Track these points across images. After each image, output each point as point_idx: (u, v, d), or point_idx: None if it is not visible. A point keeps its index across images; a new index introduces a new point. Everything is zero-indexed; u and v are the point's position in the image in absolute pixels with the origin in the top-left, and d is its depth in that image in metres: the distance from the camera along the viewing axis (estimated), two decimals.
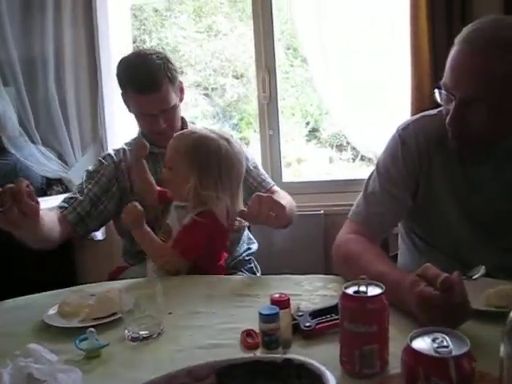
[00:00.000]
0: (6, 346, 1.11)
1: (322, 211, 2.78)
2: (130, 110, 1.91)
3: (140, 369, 1.03)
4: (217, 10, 3.44)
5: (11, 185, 1.35)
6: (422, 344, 0.76)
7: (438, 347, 0.74)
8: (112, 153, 1.96)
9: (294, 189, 2.44)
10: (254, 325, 1.05)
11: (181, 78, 1.94)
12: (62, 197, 1.93)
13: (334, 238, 1.48)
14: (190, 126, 1.98)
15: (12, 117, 2.98)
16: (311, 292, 1.34)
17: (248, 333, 1.10)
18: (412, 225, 1.58)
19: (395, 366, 0.85)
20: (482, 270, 1.13)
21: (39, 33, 2.95)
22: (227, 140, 1.64)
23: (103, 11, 2.95)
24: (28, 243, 1.61)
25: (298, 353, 0.96)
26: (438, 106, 1.39)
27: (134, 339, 1.14)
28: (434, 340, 0.76)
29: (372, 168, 1.56)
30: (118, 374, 1.02)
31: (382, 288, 0.93)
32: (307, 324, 1.09)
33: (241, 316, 1.22)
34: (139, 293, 1.21)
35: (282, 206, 1.54)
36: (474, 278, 1.12)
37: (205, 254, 1.60)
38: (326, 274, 1.46)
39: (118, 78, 1.87)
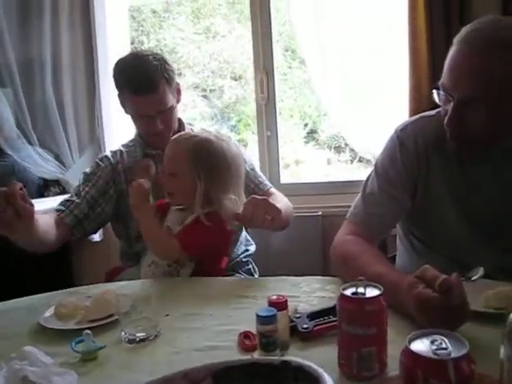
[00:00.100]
0: (1, 349, 1.10)
1: (320, 212, 2.77)
2: (126, 112, 1.91)
3: (137, 371, 1.02)
4: (215, 11, 3.43)
5: (4, 188, 1.34)
6: (421, 346, 0.76)
7: (436, 349, 0.74)
8: (109, 154, 1.96)
9: (292, 190, 2.44)
10: (252, 327, 1.05)
11: (179, 79, 1.94)
12: (59, 198, 1.93)
13: (332, 240, 1.47)
14: (187, 128, 1.98)
15: (9, 118, 2.98)
16: (309, 293, 1.33)
17: (245, 335, 1.10)
18: (410, 226, 1.57)
19: (394, 368, 0.85)
20: (481, 271, 1.13)
21: (37, 34, 2.96)
22: (226, 142, 1.64)
23: (101, 12, 2.96)
24: (24, 247, 1.60)
25: (296, 355, 0.96)
26: (437, 106, 1.39)
27: (130, 341, 1.14)
28: (432, 342, 0.75)
29: (370, 169, 1.56)
30: (114, 377, 1.01)
31: (380, 289, 0.92)
32: (305, 326, 1.08)
33: (238, 318, 1.22)
34: (136, 295, 1.21)
35: (278, 209, 1.53)
36: (472, 279, 1.11)
37: (208, 258, 1.59)
38: (323, 276, 1.45)
39: (114, 80, 1.87)
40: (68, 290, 1.50)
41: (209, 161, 1.59)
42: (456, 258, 1.42)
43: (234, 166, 1.63)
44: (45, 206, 1.64)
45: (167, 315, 1.26)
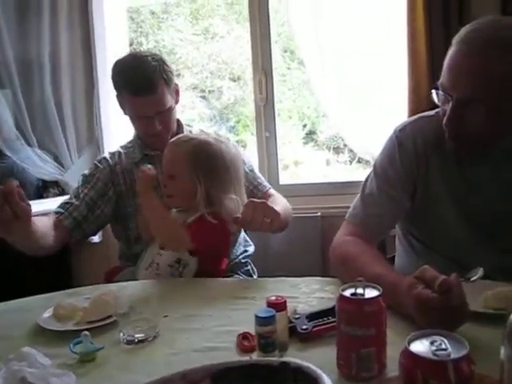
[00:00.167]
0: None
1: (319, 213, 2.77)
2: (125, 113, 1.90)
3: (135, 372, 1.01)
4: (213, 12, 3.43)
5: (1, 186, 1.33)
6: (421, 347, 0.76)
7: (436, 350, 0.74)
8: (107, 156, 1.95)
9: (291, 191, 2.43)
10: (251, 328, 1.04)
11: (177, 80, 1.94)
12: (58, 199, 1.93)
13: (331, 240, 1.47)
14: (186, 129, 1.98)
15: (8, 119, 2.97)
16: (308, 294, 1.33)
17: (244, 336, 1.09)
18: (409, 226, 1.57)
19: (393, 369, 0.85)
20: (480, 271, 1.12)
21: (35, 35, 2.95)
22: (224, 144, 1.65)
23: (99, 13, 2.95)
24: (22, 249, 1.60)
25: (295, 356, 0.95)
26: (436, 107, 1.39)
27: (129, 342, 1.13)
28: (432, 343, 0.75)
29: (369, 170, 1.55)
30: (112, 378, 1.01)
31: (379, 290, 0.92)
32: (304, 327, 1.08)
33: (237, 319, 1.21)
34: (135, 296, 1.20)
35: (277, 212, 1.53)
36: (472, 279, 1.11)
37: (209, 258, 1.59)
38: (323, 277, 1.45)
39: (113, 80, 1.86)
40: (66, 291, 1.50)
41: (208, 162, 1.59)
42: (455, 258, 1.41)
43: (232, 167, 1.63)
44: (44, 208, 1.64)
45: (166, 316, 1.26)
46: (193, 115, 3.46)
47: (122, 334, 1.14)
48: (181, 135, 1.73)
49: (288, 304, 1.07)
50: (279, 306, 1.04)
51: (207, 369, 0.82)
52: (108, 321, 1.22)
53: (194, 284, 1.50)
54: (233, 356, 1.03)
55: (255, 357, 1.00)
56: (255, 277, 2.02)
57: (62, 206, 1.83)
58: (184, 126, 1.99)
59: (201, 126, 3.26)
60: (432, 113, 1.46)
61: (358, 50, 2.68)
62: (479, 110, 1.22)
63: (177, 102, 1.93)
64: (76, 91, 3.00)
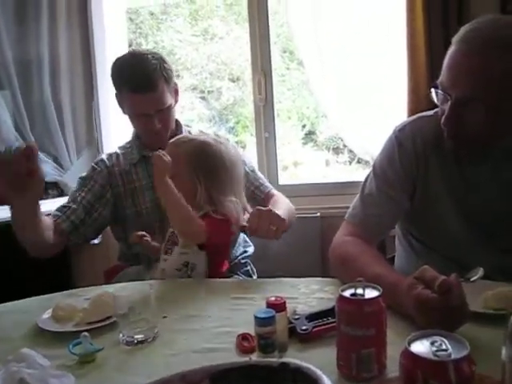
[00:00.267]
0: None
1: (318, 214, 2.77)
2: (124, 112, 1.90)
3: (134, 373, 1.01)
4: (213, 13, 3.43)
5: (23, 143, 1.38)
6: (421, 347, 0.75)
7: (436, 350, 0.73)
8: (105, 158, 1.94)
9: (290, 191, 2.42)
10: (250, 328, 1.04)
11: (177, 81, 1.94)
12: (57, 200, 1.92)
13: (330, 241, 1.47)
14: (185, 129, 1.97)
15: (7, 120, 2.97)
16: (308, 295, 1.33)
17: (244, 336, 1.09)
18: (409, 226, 1.57)
19: (393, 369, 0.85)
20: (480, 271, 1.12)
21: (34, 36, 2.95)
22: (224, 144, 1.65)
23: (98, 15, 2.96)
24: (28, 242, 1.61)
25: (295, 356, 0.95)
26: (435, 107, 1.38)
27: (128, 343, 1.13)
28: (432, 343, 0.75)
29: (369, 170, 1.55)
30: (111, 379, 1.01)
31: (379, 290, 0.92)
32: (304, 327, 1.08)
33: (236, 319, 1.21)
34: (134, 296, 1.20)
35: (282, 219, 1.54)
36: (472, 280, 1.11)
37: (210, 259, 1.58)
38: (322, 277, 1.45)
39: (112, 79, 1.86)
40: (66, 292, 1.50)
41: (208, 163, 1.59)
42: (455, 258, 1.41)
43: (232, 168, 1.63)
44: (43, 209, 1.64)
45: (165, 317, 1.25)
46: (192, 116, 3.46)
47: (121, 335, 1.14)
48: (180, 136, 1.73)
49: (288, 304, 1.07)
50: (279, 306, 1.04)
51: (206, 370, 0.82)
52: (107, 322, 1.22)
53: (194, 285, 1.50)
54: (232, 357, 1.03)
55: (255, 357, 0.99)
56: (255, 277, 2.01)
57: (60, 209, 1.82)
58: (183, 127, 1.98)
59: (200, 127, 3.25)
60: (431, 113, 1.45)
61: (357, 50, 2.68)
62: (479, 110, 1.22)
63: (176, 101, 1.93)
64: (75, 92, 3.00)
